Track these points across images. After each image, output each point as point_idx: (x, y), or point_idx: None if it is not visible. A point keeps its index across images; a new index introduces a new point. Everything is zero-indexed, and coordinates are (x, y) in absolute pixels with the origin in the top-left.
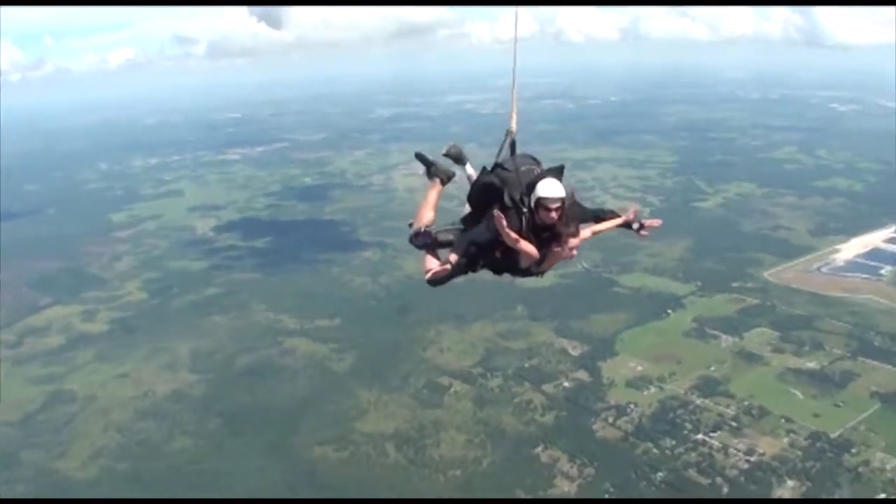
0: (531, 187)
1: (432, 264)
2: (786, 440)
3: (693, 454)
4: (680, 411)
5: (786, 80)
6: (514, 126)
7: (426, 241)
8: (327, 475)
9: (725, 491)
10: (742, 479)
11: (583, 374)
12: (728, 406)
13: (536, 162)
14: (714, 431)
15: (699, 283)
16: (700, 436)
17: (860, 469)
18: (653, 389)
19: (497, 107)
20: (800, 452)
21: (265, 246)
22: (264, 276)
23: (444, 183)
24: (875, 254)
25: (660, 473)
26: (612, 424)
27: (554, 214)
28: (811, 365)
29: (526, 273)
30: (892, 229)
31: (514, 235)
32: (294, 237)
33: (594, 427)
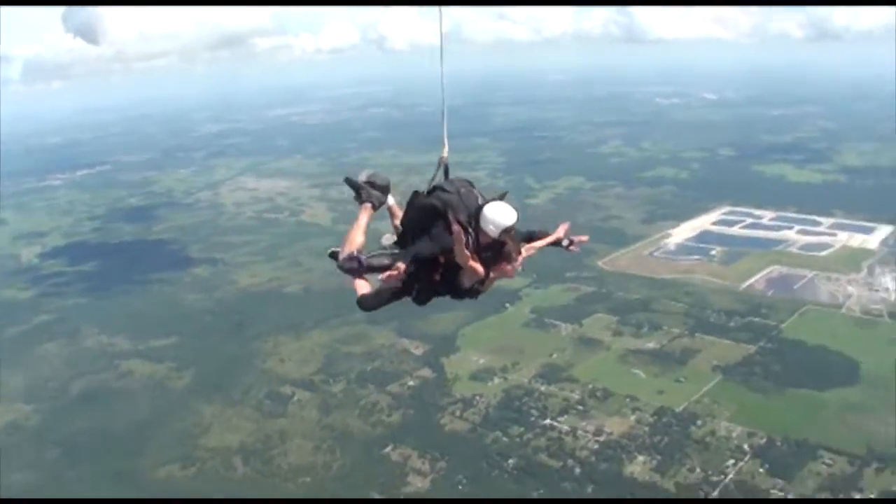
0: (478, 212)
1: (363, 288)
2: (632, 418)
3: (542, 439)
4: (526, 399)
5: (609, 77)
6: (445, 151)
7: (357, 267)
8: (175, 495)
9: (578, 472)
10: (593, 458)
11: (427, 372)
12: (573, 391)
13: (471, 185)
14: (561, 416)
15: (534, 276)
16: (548, 421)
17: (707, 439)
18: (497, 380)
19: (323, 118)
20: (647, 429)
21: (93, 270)
22: (95, 300)
23: (375, 208)
24: (704, 236)
25: (511, 460)
26: (460, 417)
27: (512, 238)
28: (651, 345)
29: (466, 294)
30: (720, 212)
31: (468, 253)
32: (123, 259)
33: (442, 422)
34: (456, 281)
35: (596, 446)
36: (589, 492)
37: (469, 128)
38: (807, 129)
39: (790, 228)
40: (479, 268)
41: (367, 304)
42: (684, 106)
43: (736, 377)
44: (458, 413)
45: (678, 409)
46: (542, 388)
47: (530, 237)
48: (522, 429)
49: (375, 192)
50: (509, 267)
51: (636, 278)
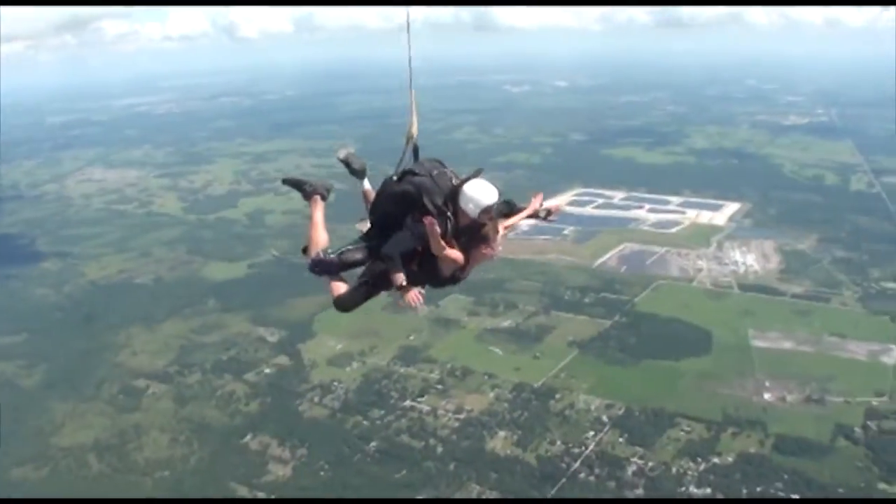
0: (455, 192)
1: (340, 288)
2: (492, 395)
3: (403, 420)
4: (385, 382)
5: (460, 66)
6: (415, 130)
7: (331, 266)
8: (31, 496)
9: (440, 450)
10: (454, 437)
11: (283, 359)
12: (432, 371)
13: (443, 165)
14: (421, 396)
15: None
16: (408, 402)
17: (566, 412)
18: (355, 365)
19: (172, 107)
20: (506, 405)
21: None
22: None
23: (324, 198)
24: (558, 217)
25: (373, 443)
26: (319, 403)
27: (491, 218)
28: (507, 323)
29: (447, 282)
30: (572, 193)
31: (442, 243)
32: None
33: (301, 408)
34: (435, 270)
35: (457, 424)
36: (451, 469)
37: (321, 115)
38: (655, 113)
39: (641, 207)
40: (459, 255)
41: (345, 303)
42: (536, 93)
43: (592, 351)
44: (316, 399)
45: (537, 385)
46: (401, 370)
47: (509, 212)
48: (383, 411)
49: (319, 183)
50: (489, 249)
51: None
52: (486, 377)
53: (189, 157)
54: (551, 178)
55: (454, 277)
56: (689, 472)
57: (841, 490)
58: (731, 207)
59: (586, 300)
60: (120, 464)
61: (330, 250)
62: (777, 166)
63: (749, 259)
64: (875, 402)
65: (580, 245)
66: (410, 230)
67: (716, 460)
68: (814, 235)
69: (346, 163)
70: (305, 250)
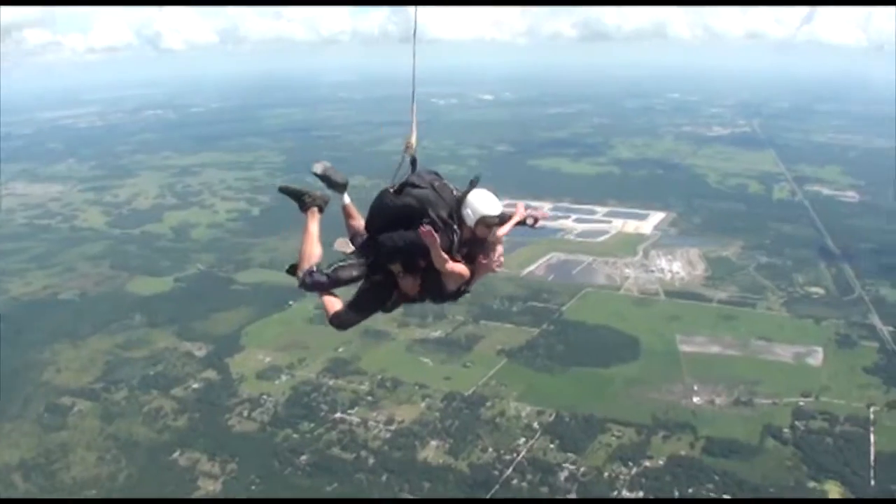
0: (460, 203)
1: (335, 305)
2: (423, 405)
3: (334, 433)
4: (314, 395)
5: (387, 78)
6: (413, 141)
7: (323, 281)
8: None
9: (371, 462)
10: (386, 447)
11: (211, 374)
12: (361, 383)
13: (439, 176)
14: (351, 408)
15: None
16: (338, 414)
17: (497, 420)
18: (284, 378)
19: (96, 120)
20: (438, 414)
21: None
22: None
23: (321, 210)
24: None
25: (304, 457)
26: (248, 417)
27: (493, 229)
28: (436, 333)
29: (451, 297)
30: (504, 203)
31: (444, 255)
32: None
33: (230, 423)
34: (439, 285)
35: (388, 435)
36: (383, 480)
37: (246, 128)
38: (581, 125)
39: (567, 217)
40: (465, 269)
41: (343, 321)
42: (462, 106)
43: (521, 359)
44: (245, 413)
45: (467, 393)
46: (331, 383)
47: (499, 222)
48: (313, 424)
49: (319, 194)
50: (493, 261)
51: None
52: (416, 387)
53: (113, 170)
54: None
55: (459, 292)
56: (621, 476)
57: (772, 490)
58: (657, 216)
59: (514, 309)
60: (47, 483)
61: (323, 266)
62: (701, 176)
63: (675, 266)
64: (802, 402)
65: (507, 255)
66: (418, 242)
67: (647, 464)
68: (738, 242)
69: (325, 177)
70: (294, 268)
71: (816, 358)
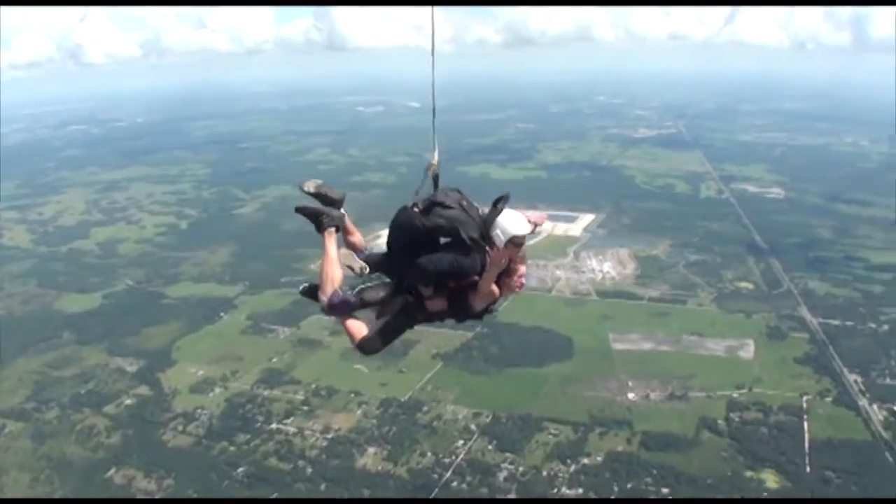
0: (488, 224)
1: (361, 330)
2: (359, 412)
3: (271, 444)
4: (249, 406)
5: (311, 88)
6: (436, 159)
7: (350, 306)
8: None
9: (310, 471)
10: (323, 456)
11: (144, 389)
12: (296, 392)
13: (462, 194)
14: (287, 418)
15: (248, 284)
16: (274, 425)
17: (435, 424)
18: (218, 390)
19: (20, 138)
20: (374, 421)
21: None
22: None
23: (339, 230)
24: None
25: (241, 468)
26: (183, 432)
27: (521, 248)
28: None
29: (477, 316)
30: None
31: (493, 277)
32: None
33: (165, 438)
34: (466, 305)
35: (325, 444)
36: (322, 490)
37: (169, 141)
38: (508, 131)
39: None
40: (496, 288)
41: (371, 347)
42: (389, 114)
43: (456, 363)
44: (180, 428)
45: (403, 399)
46: (266, 394)
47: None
48: (249, 436)
49: (336, 213)
50: (518, 280)
51: (350, 279)
52: (352, 395)
53: (38, 188)
54: (408, 196)
55: (485, 311)
56: (560, 474)
57: (709, 481)
58: (586, 218)
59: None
60: None
61: (347, 288)
62: (629, 177)
63: (606, 266)
64: (736, 394)
65: None
66: (455, 263)
67: (585, 461)
68: (667, 241)
69: (320, 195)
70: (311, 289)
71: (748, 351)
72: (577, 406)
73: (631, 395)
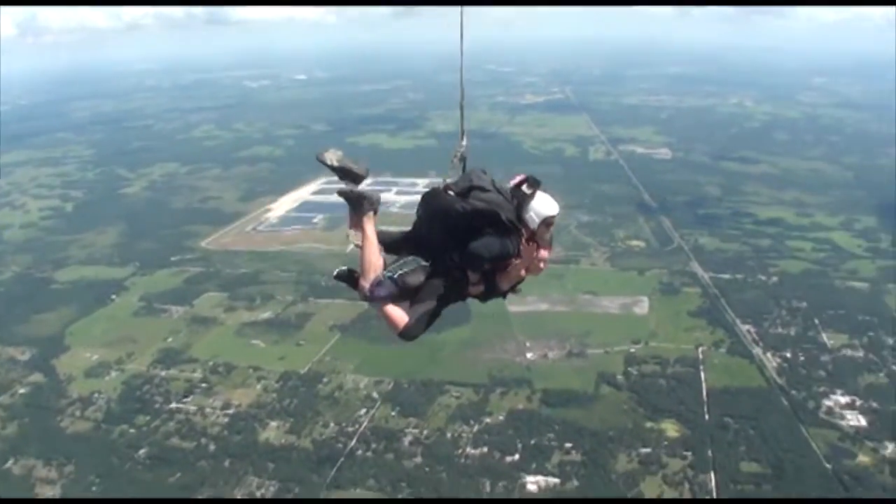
0: (523, 206)
1: (402, 317)
2: (259, 387)
3: (171, 423)
4: (147, 387)
5: (195, 64)
6: (465, 141)
7: (392, 291)
8: None
9: (213, 448)
10: (225, 433)
11: (38, 377)
12: (194, 371)
13: (487, 174)
14: (186, 397)
15: (138, 264)
16: (174, 405)
17: (336, 394)
18: (114, 374)
19: None
20: (275, 395)
21: None
22: None
23: (376, 213)
24: (305, 206)
25: (142, 450)
26: (81, 417)
27: (550, 229)
28: (266, 315)
29: (501, 294)
30: (318, 182)
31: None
32: None
33: (63, 425)
34: (495, 285)
35: (226, 420)
36: (226, 465)
37: (51, 124)
38: (397, 101)
39: (389, 191)
40: (523, 271)
41: (414, 333)
42: (275, 87)
43: (354, 333)
44: (78, 413)
45: (303, 371)
46: (163, 374)
47: None
48: (149, 417)
49: (377, 197)
50: (541, 263)
51: (242, 254)
52: (250, 370)
53: None
54: (296, 169)
55: (511, 290)
56: (464, 435)
57: (611, 433)
58: None
59: (343, 284)
60: None
61: (390, 273)
62: (518, 143)
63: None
64: (632, 349)
65: (331, 232)
66: (495, 246)
67: (488, 420)
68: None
69: (342, 169)
70: (348, 274)
71: (642, 307)
72: (477, 368)
73: (529, 355)
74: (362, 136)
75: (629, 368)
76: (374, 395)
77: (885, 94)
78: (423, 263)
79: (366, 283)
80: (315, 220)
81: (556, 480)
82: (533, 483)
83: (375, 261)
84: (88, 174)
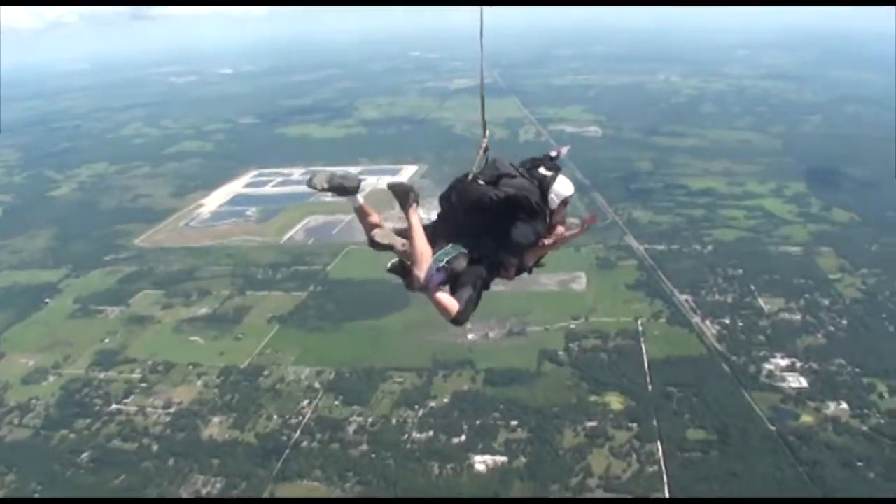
0: (547, 188)
1: (453, 303)
2: (199, 384)
3: (112, 425)
4: (86, 390)
5: (122, 62)
6: (486, 136)
7: (442, 278)
8: None
9: (156, 448)
10: (168, 431)
11: None
12: (133, 371)
13: (503, 161)
14: (126, 398)
15: (71, 266)
16: (114, 406)
17: (278, 386)
18: (52, 378)
19: None
20: (216, 390)
21: None
22: None
23: (419, 204)
24: (238, 199)
25: (85, 454)
26: (20, 425)
27: (567, 208)
28: (203, 311)
29: (522, 272)
30: (250, 175)
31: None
32: None
33: (1, 433)
34: (523, 264)
35: (168, 419)
36: (171, 464)
37: None
38: (325, 91)
39: None
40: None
41: (465, 317)
42: (202, 83)
43: (293, 324)
44: (16, 421)
45: (243, 366)
46: (101, 376)
47: None
48: (89, 420)
49: (417, 190)
50: (560, 236)
51: (176, 250)
52: (190, 367)
53: None
54: (226, 163)
55: (535, 265)
56: (409, 420)
57: (556, 409)
58: (410, 169)
59: (279, 276)
60: None
61: (437, 263)
62: (448, 128)
63: (433, 215)
64: (573, 325)
65: (264, 224)
66: (532, 229)
67: (432, 404)
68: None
69: (336, 188)
70: (401, 266)
71: (580, 283)
72: (419, 352)
73: (471, 336)
74: (292, 128)
75: (570, 344)
76: (317, 385)
77: (807, 64)
78: (463, 250)
79: (420, 273)
80: (248, 213)
81: (504, 458)
82: (481, 463)
83: (426, 250)
84: (16, 178)
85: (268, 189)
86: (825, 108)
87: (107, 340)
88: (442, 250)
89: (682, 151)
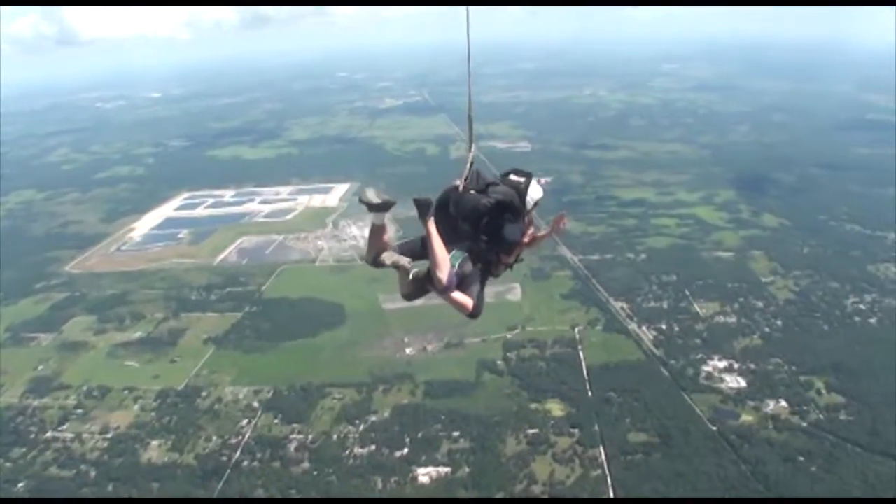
0: (523, 193)
1: (467, 299)
2: (136, 407)
3: (48, 453)
4: (20, 418)
5: (49, 88)
6: (474, 149)
7: (457, 280)
8: None
9: (94, 474)
10: (106, 457)
11: None
12: (68, 397)
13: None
14: (62, 425)
15: (2, 294)
16: (49, 433)
17: (216, 407)
18: None
19: None
20: (153, 414)
21: None
22: None
23: (433, 215)
24: (169, 222)
25: (21, 484)
26: None
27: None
28: (138, 335)
29: (506, 269)
30: (181, 198)
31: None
32: None
33: None
34: (507, 261)
35: (106, 444)
36: (110, 490)
37: None
38: (254, 112)
39: (252, 201)
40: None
41: (479, 311)
42: (130, 107)
43: (229, 345)
44: None
45: (180, 388)
46: (36, 403)
47: None
48: (24, 449)
49: (434, 206)
50: (532, 236)
51: (107, 275)
52: (126, 391)
53: None
54: (157, 186)
55: (516, 261)
56: (350, 435)
57: (497, 418)
58: (342, 188)
59: (213, 297)
60: None
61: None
62: (379, 146)
63: (366, 232)
64: (509, 335)
65: (197, 246)
66: (519, 229)
67: (373, 418)
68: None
69: (385, 204)
70: (427, 273)
71: (515, 294)
72: (358, 368)
73: (409, 350)
74: (222, 150)
75: (508, 354)
76: (255, 404)
77: (732, 75)
78: (465, 254)
79: (443, 276)
80: (180, 236)
81: (448, 469)
82: (424, 475)
83: (445, 256)
84: None
85: (200, 211)
86: (751, 117)
87: (40, 367)
88: (450, 255)
89: (612, 164)
